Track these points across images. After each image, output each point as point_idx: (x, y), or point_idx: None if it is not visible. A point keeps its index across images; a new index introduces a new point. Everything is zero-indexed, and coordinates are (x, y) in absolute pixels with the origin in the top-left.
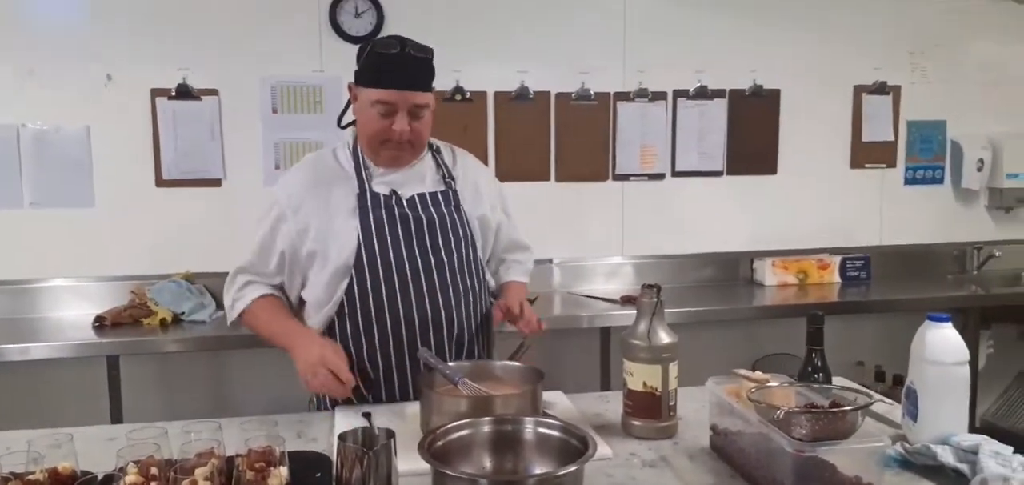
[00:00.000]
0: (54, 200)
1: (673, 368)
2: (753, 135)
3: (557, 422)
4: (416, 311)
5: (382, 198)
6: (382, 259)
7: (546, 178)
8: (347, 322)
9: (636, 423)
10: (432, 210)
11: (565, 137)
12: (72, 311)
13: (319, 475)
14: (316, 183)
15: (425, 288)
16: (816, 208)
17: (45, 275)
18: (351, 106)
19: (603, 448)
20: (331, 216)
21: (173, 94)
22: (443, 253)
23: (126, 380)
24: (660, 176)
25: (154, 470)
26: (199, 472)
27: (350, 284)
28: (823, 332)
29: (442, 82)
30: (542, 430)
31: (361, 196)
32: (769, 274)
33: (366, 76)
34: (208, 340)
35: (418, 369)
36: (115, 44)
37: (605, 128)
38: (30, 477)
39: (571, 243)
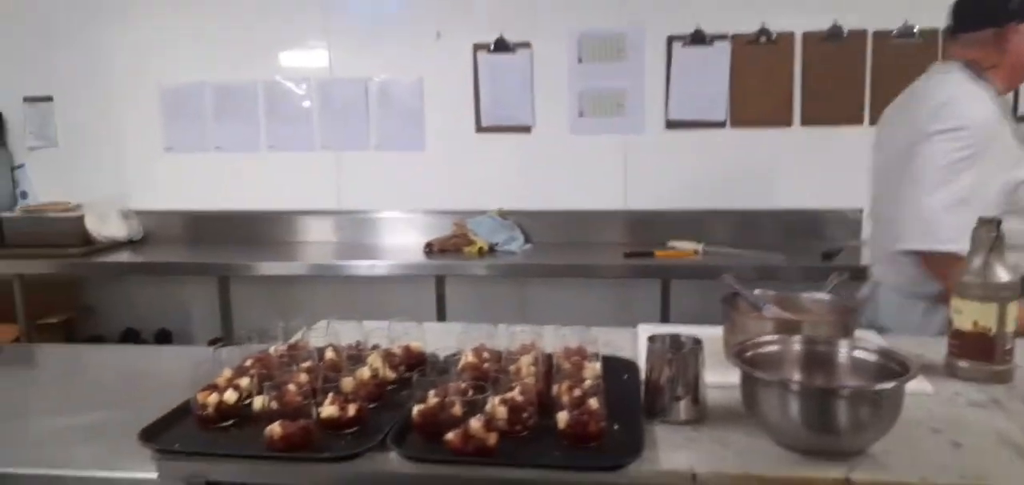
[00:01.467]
0: (393, 144)
1: (1012, 308)
2: None
3: (875, 345)
4: None
5: None
6: None
7: (859, 122)
8: None
9: (963, 364)
10: None
11: (882, 76)
12: (405, 238)
13: (626, 376)
14: (999, 117)
15: None
16: None
17: (384, 206)
18: (1003, 44)
19: (923, 383)
20: (1014, 149)
21: (492, 48)
22: None
23: (449, 297)
24: None
25: (486, 354)
26: (524, 359)
27: None
28: None
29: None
30: (858, 354)
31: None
32: None
33: None
34: (517, 267)
35: None
36: (443, 3)
37: None
38: (391, 349)
39: None
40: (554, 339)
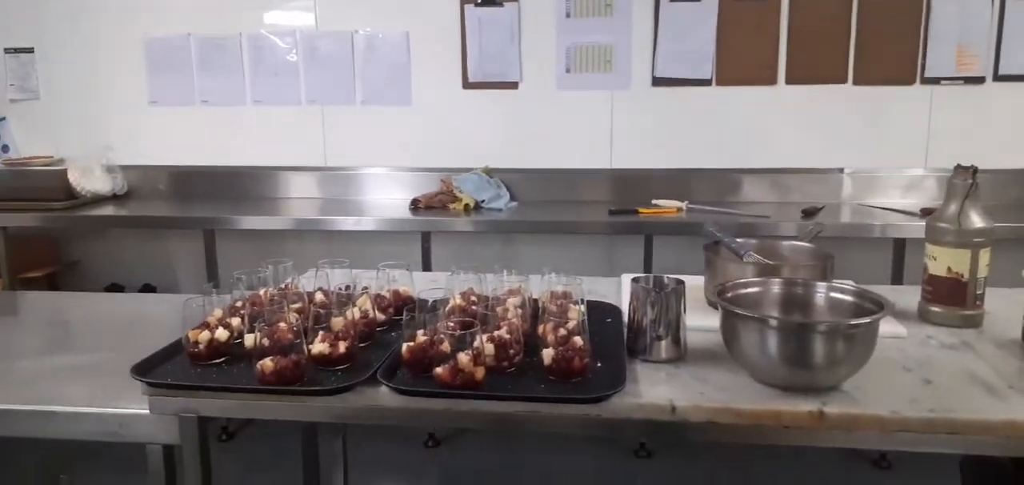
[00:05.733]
0: (379, 99)
1: (984, 255)
2: None
3: (851, 286)
4: None
5: None
6: None
7: (843, 80)
8: None
9: (935, 309)
10: None
11: (868, 34)
12: (391, 194)
13: (609, 320)
14: None
15: None
16: None
17: (370, 162)
18: None
19: (896, 326)
20: None
21: (479, 1)
22: None
23: (435, 252)
24: (979, 80)
25: (474, 298)
26: (510, 301)
27: None
28: None
29: None
30: (834, 294)
31: None
32: None
33: None
34: (502, 223)
35: None
36: None
37: (916, 24)
38: (380, 293)
39: (865, 152)
40: (540, 286)
